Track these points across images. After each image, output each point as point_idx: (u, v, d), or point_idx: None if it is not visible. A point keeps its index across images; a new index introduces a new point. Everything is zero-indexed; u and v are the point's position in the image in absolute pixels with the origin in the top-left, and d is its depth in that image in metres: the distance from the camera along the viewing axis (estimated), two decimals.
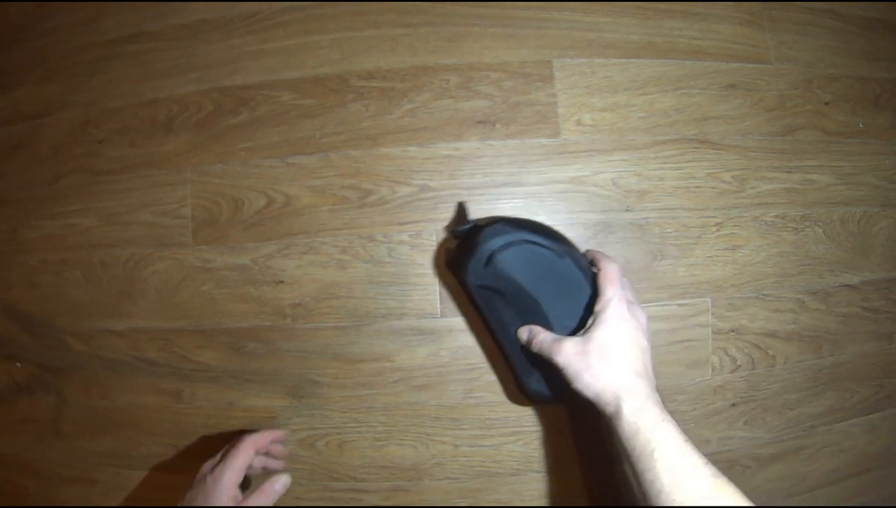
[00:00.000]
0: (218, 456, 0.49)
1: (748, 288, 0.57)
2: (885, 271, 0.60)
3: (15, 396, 0.61)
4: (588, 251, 0.50)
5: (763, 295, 0.58)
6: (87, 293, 0.58)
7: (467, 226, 0.48)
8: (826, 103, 0.60)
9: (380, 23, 0.56)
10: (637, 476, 0.38)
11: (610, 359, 0.42)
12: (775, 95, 0.59)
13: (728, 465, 0.58)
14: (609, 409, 0.41)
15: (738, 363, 0.57)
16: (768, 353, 0.58)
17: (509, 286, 0.47)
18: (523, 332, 0.48)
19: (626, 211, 0.56)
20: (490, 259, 0.46)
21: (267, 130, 0.56)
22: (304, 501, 0.57)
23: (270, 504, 0.48)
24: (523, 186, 0.55)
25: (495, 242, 0.46)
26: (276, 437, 0.52)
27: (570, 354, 0.43)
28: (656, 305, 0.56)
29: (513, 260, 0.46)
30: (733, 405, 0.58)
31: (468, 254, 0.47)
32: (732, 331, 0.57)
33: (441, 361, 0.55)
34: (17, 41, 0.62)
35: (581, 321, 0.46)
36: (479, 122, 0.55)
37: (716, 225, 0.57)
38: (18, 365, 0.61)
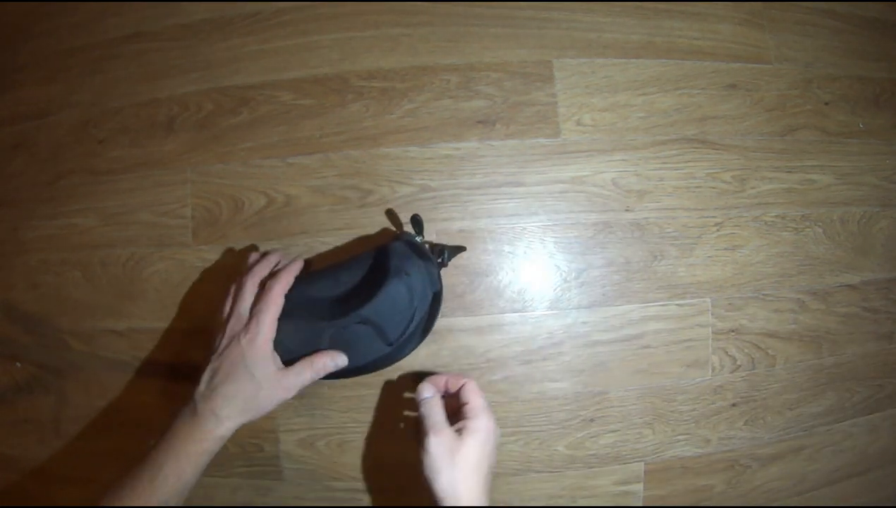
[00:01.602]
0: (235, 308, 0.43)
1: (748, 288, 0.57)
2: (885, 271, 0.60)
3: (15, 396, 0.61)
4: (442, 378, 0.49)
5: (763, 295, 0.58)
6: (87, 293, 0.58)
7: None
8: (826, 103, 0.60)
9: (380, 23, 0.56)
10: None
11: (468, 478, 0.42)
12: (775, 95, 0.59)
13: (728, 465, 0.58)
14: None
15: (738, 363, 0.57)
16: (768, 353, 0.58)
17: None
18: (426, 390, 0.46)
19: (626, 211, 0.56)
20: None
21: (267, 130, 0.56)
22: (304, 501, 0.57)
23: (316, 378, 0.44)
24: (523, 186, 0.55)
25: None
26: (297, 268, 0.46)
27: (441, 449, 0.42)
28: (656, 305, 0.56)
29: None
30: (733, 405, 0.58)
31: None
32: (732, 331, 0.57)
33: (441, 361, 0.55)
34: (18, 41, 0.62)
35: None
36: (479, 122, 0.55)
37: (716, 225, 0.57)
38: (18, 365, 0.61)
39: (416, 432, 0.45)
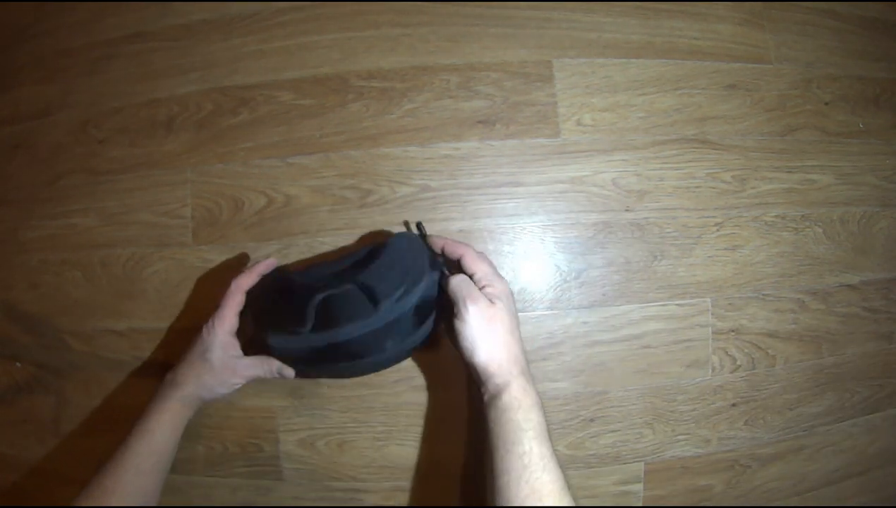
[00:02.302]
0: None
1: (748, 288, 0.57)
2: (885, 271, 0.60)
3: (15, 396, 0.61)
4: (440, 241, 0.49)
5: (763, 295, 0.58)
6: (87, 293, 0.58)
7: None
8: (826, 103, 0.60)
9: (379, 23, 0.56)
10: (505, 446, 0.41)
11: (509, 344, 0.44)
12: (775, 95, 0.59)
13: (728, 465, 0.58)
14: (497, 381, 0.43)
15: (738, 363, 0.57)
16: (768, 353, 0.58)
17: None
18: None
19: (626, 211, 0.56)
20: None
21: (267, 130, 0.56)
22: (304, 501, 0.57)
23: (266, 377, 0.49)
24: (523, 186, 0.55)
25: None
26: (265, 268, 0.50)
27: (478, 319, 0.43)
28: (656, 305, 0.56)
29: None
30: (733, 405, 0.58)
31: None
32: (732, 331, 0.57)
33: (441, 361, 0.55)
34: (17, 41, 0.62)
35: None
36: (479, 122, 0.55)
37: (716, 225, 0.57)
38: (18, 365, 0.61)
39: (443, 317, 0.47)
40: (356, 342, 0.45)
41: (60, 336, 0.59)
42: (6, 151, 0.61)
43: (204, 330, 0.48)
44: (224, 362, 0.47)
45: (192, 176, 0.57)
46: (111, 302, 0.58)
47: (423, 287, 0.45)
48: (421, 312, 0.46)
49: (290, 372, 0.48)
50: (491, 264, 0.47)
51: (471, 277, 0.46)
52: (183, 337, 0.57)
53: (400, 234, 0.48)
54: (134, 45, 0.59)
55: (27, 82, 0.62)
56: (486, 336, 0.43)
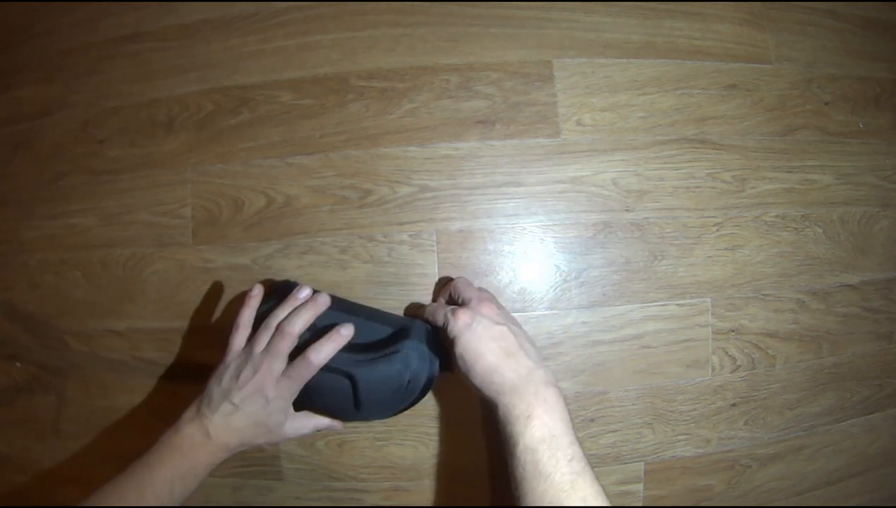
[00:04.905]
0: (272, 344, 0.43)
1: (748, 288, 0.57)
2: (885, 271, 0.60)
3: (15, 396, 0.61)
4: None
5: (763, 295, 0.58)
6: (87, 293, 0.58)
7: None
8: (826, 103, 0.60)
9: (379, 23, 0.56)
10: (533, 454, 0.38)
11: (501, 364, 0.41)
12: (775, 95, 0.59)
13: (728, 465, 0.58)
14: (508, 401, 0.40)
15: (738, 363, 0.57)
16: (768, 353, 0.58)
17: None
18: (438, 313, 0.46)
19: (626, 211, 0.56)
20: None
21: (267, 130, 0.56)
22: (304, 501, 0.57)
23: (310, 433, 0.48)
24: (523, 186, 0.55)
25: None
26: (324, 305, 0.46)
27: (467, 336, 0.42)
28: (656, 305, 0.56)
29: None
30: (733, 405, 0.58)
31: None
32: (732, 331, 0.57)
33: None
34: (17, 41, 0.62)
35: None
36: (479, 122, 0.55)
37: (716, 225, 0.57)
38: (18, 365, 0.61)
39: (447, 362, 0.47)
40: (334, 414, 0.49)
41: (60, 336, 0.59)
42: (6, 151, 0.61)
43: (271, 394, 0.43)
44: (280, 427, 0.45)
45: (192, 176, 0.57)
46: (111, 302, 0.58)
47: (416, 388, 0.46)
48: (408, 403, 0.47)
49: (339, 425, 0.49)
50: (473, 289, 0.47)
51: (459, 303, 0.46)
52: (183, 337, 0.57)
53: (421, 326, 0.48)
54: (134, 45, 0.59)
55: (27, 82, 0.62)
56: (477, 348, 0.41)
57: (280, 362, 0.43)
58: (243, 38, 0.57)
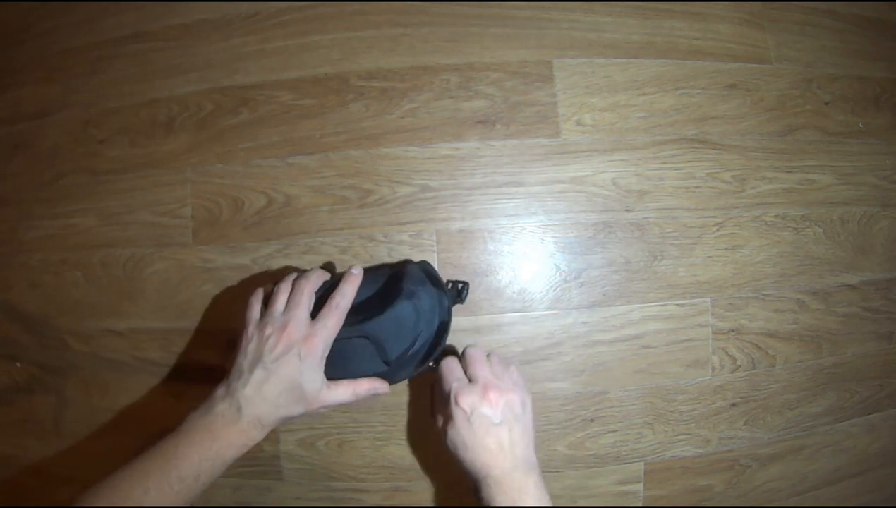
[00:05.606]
0: (292, 310, 0.42)
1: (748, 288, 0.57)
2: (885, 271, 0.60)
3: (15, 396, 0.61)
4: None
5: (763, 295, 0.58)
6: (87, 293, 0.58)
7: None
8: (826, 103, 0.60)
9: (380, 23, 0.56)
10: None
11: (495, 455, 0.42)
12: (775, 95, 0.59)
13: (728, 465, 0.58)
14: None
15: (738, 363, 0.57)
16: (768, 353, 0.58)
17: None
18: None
19: (626, 211, 0.56)
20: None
21: (267, 130, 0.56)
22: (304, 501, 0.57)
23: (352, 401, 0.44)
24: (523, 186, 0.55)
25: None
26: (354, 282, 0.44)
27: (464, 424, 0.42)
28: (656, 305, 0.56)
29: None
30: (733, 405, 0.58)
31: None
32: (732, 331, 0.57)
33: None
34: (17, 41, 0.62)
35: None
36: (479, 122, 0.55)
37: (716, 225, 0.57)
38: (18, 365, 0.61)
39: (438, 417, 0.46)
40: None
41: (60, 336, 0.59)
42: (6, 151, 0.61)
43: (303, 353, 0.41)
44: (317, 394, 0.42)
45: (192, 176, 0.57)
46: (111, 302, 0.58)
47: (433, 323, 0.46)
48: (429, 346, 0.46)
49: (384, 387, 0.45)
50: (484, 368, 0.44)
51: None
52: (183, 337, 0.57)
53: (414, 268, 0.47)
54: (134, 45, 0.59)
55: (28, 82, 0.62)
56: (470, 441, 0.42)
57: (305, 312, 0.42)
58: (243, 38, 0.57)
